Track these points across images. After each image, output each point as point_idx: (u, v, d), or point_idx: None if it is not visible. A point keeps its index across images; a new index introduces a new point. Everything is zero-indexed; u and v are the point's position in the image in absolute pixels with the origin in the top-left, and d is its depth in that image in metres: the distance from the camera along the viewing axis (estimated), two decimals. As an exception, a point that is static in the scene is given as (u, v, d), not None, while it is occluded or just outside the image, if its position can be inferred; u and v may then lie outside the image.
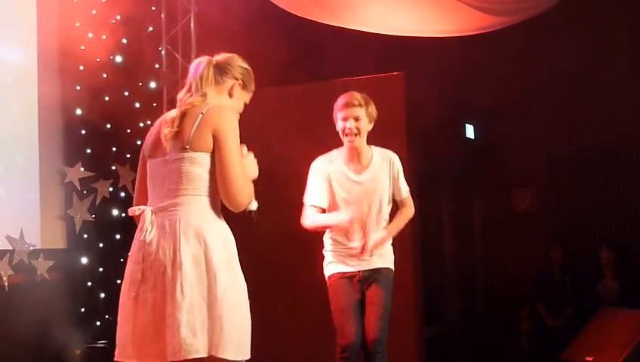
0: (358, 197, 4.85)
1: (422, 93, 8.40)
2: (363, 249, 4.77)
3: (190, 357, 3.20)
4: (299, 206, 5.07)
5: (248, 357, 3.35)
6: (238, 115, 3.56)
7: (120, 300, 3.42)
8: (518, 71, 8.76)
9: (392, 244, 5.07)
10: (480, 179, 10.11)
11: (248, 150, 3.53)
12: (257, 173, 3.56)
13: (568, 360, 7.31)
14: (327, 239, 5.01)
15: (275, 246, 7.76)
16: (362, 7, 7.38)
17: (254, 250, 7.91)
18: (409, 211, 5.06)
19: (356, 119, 4.81)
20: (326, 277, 4.97)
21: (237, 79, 3.61)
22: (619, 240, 8.87)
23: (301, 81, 8.30)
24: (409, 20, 7.33)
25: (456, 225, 9.95)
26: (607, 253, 8.70)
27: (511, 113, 9.34)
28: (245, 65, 3.66)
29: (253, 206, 3.56)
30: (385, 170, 4.94)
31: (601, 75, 8.64)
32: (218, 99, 3.54)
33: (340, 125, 4.86)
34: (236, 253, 3.40)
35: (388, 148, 4.98)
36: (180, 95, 3.54)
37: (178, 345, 3.19)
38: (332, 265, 4.94)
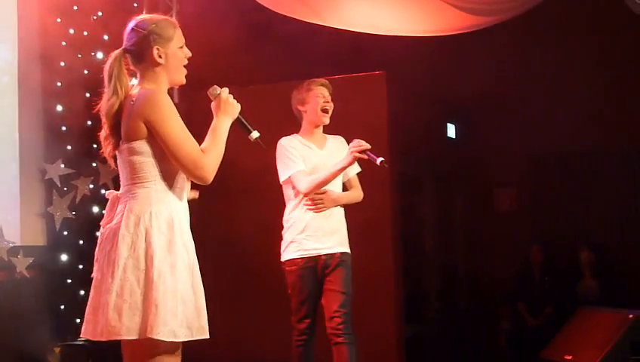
0: (324, 168, 4.99)
1: (403, 92, 8.42)
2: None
3: (113, 339, 3.28)
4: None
5: (196, 337, 3.35)
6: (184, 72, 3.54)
7: None
8: (500, 71, 8.79)
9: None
10: (461, 178, 10.15)
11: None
12: (239, 108, 3.57)
13: (548, 359, 7.34)
14: (289, 216, 5.07)
15: (254, 238, 7.78)
16: (344, 5, 7.38)
17: (234, 244, 7.93)
18: (357, 193, 5.19)
19: (328, 98, 5.12)
20: (284, 259, 5.07)
21: (151, 46, 3.46)
22: (598, 240, 8.92)
23: (282, 79, 8.30)
24: (391, 19, 7.33)
25: (437, 225, 9.97)
26: (586, 253, 8.75)
27: (492, 113, 9.38)
28: (150, 25, 3.50)
29: (255, 135, 3.63)
30: (340, 148, 5.12)
31: (582, 76, 8.69)
32: (154, 78, 3.47)
33: (315, 102, 5.09)
34: (183, 236, 3.39)
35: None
36: (101, 104, 3.53)
37: (104, 326, 3.28)
38: (293, 247, 5.02)
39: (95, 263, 3.47)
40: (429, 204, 9.95)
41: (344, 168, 4.88)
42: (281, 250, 5.10)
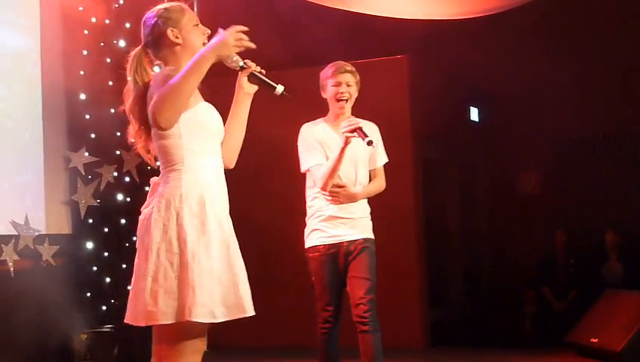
0: (348, 155, 4.89)
1: (426, 76, 8.39)
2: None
3: (151, 324, 3.27)
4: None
5: (235, 317, 3.32)
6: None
7: None
8: (525, 54, 8.73)
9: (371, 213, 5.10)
10: (485, 162, 10.11)
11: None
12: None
13: (573, 342, 7.32)
14: (311, 203, 5.03)
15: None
16: (366, -10, 7.36)
17: (253, 228, 7.96)
18: (381, 182, 5.14)
19: (348, 84, 4.97)
20: (307, 246, 5.02)
21: (164, 31, 3.46)
22: (623, 223, 8.88)
23: (305, 64, 8.29)
24: (413, 3, 7.30)
25: (460, 209, 9.95)
26: (611, 236, 8.71)
27: (516, 96, 9.33)
28: (157, 14, 3.49)
29: (280, 89, 3.56)
30: (371, 135, 4.95)
31: (608, 60, 8.62)
32: (176, 63, 3.46)
33: (331, 91, 4.99)
34: (216, 214, 3.37)
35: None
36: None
37: (141, 312, 3.28)
38: (315, 234, 4.98)
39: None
40: (452, 189, 9.93)
41: (343, 150, 4.79)
42: (305, 237, 5.06)
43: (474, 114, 10.04)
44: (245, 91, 3.60)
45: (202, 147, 3.40)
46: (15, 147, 6.95)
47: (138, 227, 3.43)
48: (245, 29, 3.39)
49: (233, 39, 3.34)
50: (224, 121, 3.57)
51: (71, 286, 6.95)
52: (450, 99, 9.19)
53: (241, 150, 3.66)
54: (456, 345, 8.86)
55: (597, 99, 8.82)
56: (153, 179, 3.52)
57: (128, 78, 3.51)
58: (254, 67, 3.57)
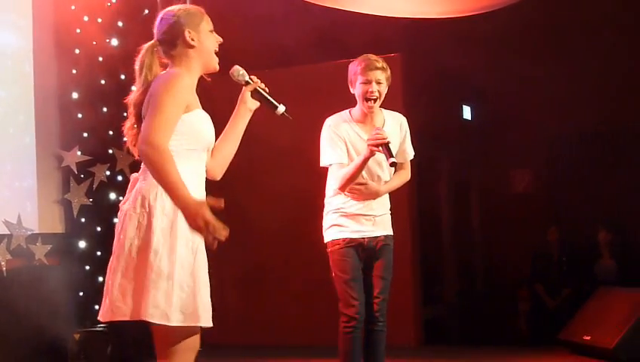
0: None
1: (418, 74, 8.39)
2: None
3: (118, 319, 3.27)
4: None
5: (190, 324, 3.29)
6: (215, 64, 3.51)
7: None
8: (517, 51, 8.74)
9: (391, 210, 5.01)
10: (477, 160, 10.12)
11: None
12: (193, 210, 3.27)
13: (566, 339, 7.33)
14: (330, 200, 4.88)
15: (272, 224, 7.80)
16: (359, -12, 7.35)
17: (255, 230, 7.96)
18: (406, 175, 4.97)
19: (378, 83, 4.74)
20: (326, 241, 4.85)
21: (182, 32, 3.45)
22: (616, 220, 8.89)
23: (297, 63, 8.30)
24: (407, 2, 7.30)
25: (454, 207, 9.96)
26: (604, 234, 8.73)
27: (508, 94, 9.34)
28: (178, 14, 3.50)
29: (281, 109, 3.59)
30: (396, 133, 4.88)
31: (602, 57, 8.63)
32: (186, 64, 3.46)
33: (360, 88, 4.75)
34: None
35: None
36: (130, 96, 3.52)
37: (108, 307, 3.29)
38: (335, 229, 4.82)
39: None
40: (445, 187, 9.94)
41: (366, 160, 4.62)
42: (323, 231, 4.89)
43: (467, 112, 10.05)
44: (247, 106, 3.60)
45: (189, 153, 3.38)
46: (7, 146, 6.93)
47: (117, 222, 3.42)
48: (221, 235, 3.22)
49: (199, 223, 3.18)
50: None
51: (64, 285, 6.94)
52: (442, 97, 9.20)
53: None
54: (450, 342, 8.88)
55: (589, 97, 8.83)
56: (133, 175, 3.51)
57: (139, 73, 3.48)
58: (259, 84, 3.59)
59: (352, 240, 4.78)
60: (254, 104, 3.61)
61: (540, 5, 7.78)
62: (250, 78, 3.59)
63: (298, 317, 7.96)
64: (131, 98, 3.50)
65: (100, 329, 6.91)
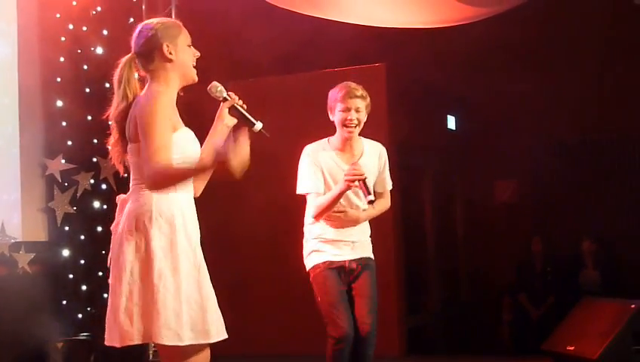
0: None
1: (403, 84, 8.41)
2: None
3: (126, 344, 3.27)
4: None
5: (201, 341, 3.32)
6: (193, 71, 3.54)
7: None
8: (501, 62, 8.78)
9: (371, 236, 5.02)
10: (462, 170, 10.14)
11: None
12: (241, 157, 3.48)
13: (550, 349, 7.34)
14: (310, 227, 4.88)
15: (259, 236, 7.79)
16: (344, -2, 7.38)
17: (241, 240, 7.95)
18: (385, 203, 4.98)
19: (357, 110, 4.75)
20: (308, 268, 4.85)
21: (160, 45, 3.46)
22: (600, 230, 8.93)
23: (282, 72, 8.30)
24: (391, 12, 7.32)
25: (438, 217, 9.97)
26: (588, 244, 8.76)
27: (493, 104, 9.37)
28: (156, 27, 3.50)
29: (258, 126, 3.58)
30: (374, 163, 4.89)
31: (585, 67, 8.68)
32: (164, 77, 3.46)
33: (340, 116, 4.76)
34: (186, 234, 3.36)
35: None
36: (110, 111, 3.52)
37: (117, 332, 3.27)
38: (315, 255, 4.82)
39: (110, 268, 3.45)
40: (429, 196, 9.95)
41: (342, 193, 4.63)
42: (304, 259, 4.88)
43: (451, 122, 10.07)
44: (225, 123, 3.59)
45: None
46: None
47: (111, 246, 3.41)
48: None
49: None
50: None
51: (47, 294, 6.91)
52: (427, 107, 9.22)
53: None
54: (434, 352, 8.88)
55: (574, 107, 8.87)
56: (120, 197, 3.51)
57: (117, 87, 3.48)
58: (237, 100, 3.58)
59: (332, 262, 4.76)
60: (232, 121, 3.59)
61: (524, 16, 7.82)
62: (228, 95, 3.58)
63: (285, 327, 7.95)
64: (112, 114, 3.49)
65: (83, 337, 6.89)
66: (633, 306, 6.81)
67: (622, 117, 8.84)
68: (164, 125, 3.29)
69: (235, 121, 3.60)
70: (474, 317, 9.58)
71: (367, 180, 4.59)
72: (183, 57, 3.50)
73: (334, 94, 4.80)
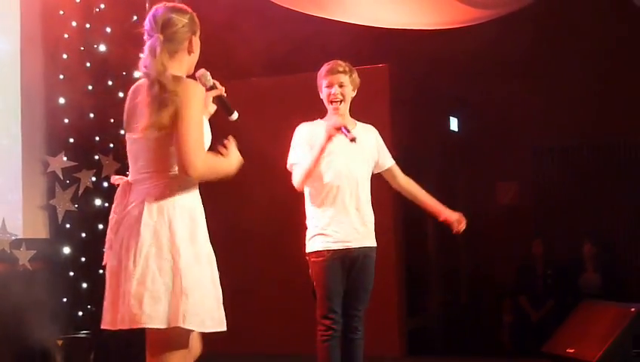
0: (348, 156, 4.85)
1: (406, 85, 8.41)
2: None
3: (134, 327, 3.27)
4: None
5: (218, 329, 3.38)
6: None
7: None
8: (503, 65, 8.78)
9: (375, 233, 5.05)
10: (463, 172, 10.14)
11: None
12: (235, 166, 3.53)
13: (550, 352, 7.34)
14: (313, 212, 4.89)
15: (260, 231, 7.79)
16: (349, -1, 7.38)
17: (243, 234, 7.95)
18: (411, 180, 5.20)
19: (340, 85, 4.86)
20: (310, 251, 4.86)
21: (190, 35, 3.52)
22: (601, 234, 8.92)
23: (284, 72, 8.30)
24: (395, 13, 7.32)
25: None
26: (589, 247, 8.75)
27: (495, 106, 9.37)
28: (186, 18, 3.53)
29: (235, 116, 3.73)
30: (369, 137, 4.99)
31: (587, 70, 8.67)
32: (178, 65, 3.49)
33: (324, 92, 4.91)
34: (203, 226, 3.43)
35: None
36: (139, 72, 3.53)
37: (124, 314, 3.27)
38: (318, 240, 4.83)
39: (108, 250, 3.45)
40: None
41: (324, 148, 4.72)
42: (306, 240, 4.89)
43: (453, 124, 10.07)
44: (207, 110, 3.69)
45: None
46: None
47: (117, 229, 3.41)
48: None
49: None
50: None
51: (47, 291, 6.90)
52: (429, 108, 9.22)
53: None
54: (434, 353, 8.88)
55: (576, 110, 8.87)
56: (120, 179, 3.51)
57: (152, 58, 3.40)
58: (222, 90, 3.72)
59: (335, 251, 4.78)
60: (212, 108, 3.74)
61: (525, 18, 7.82)
62: (214, 84, 3.71)
63: (287, 326, 7.95)
64: (145, 99, 3.38)
65: (84, 335, 6.89)
66: (633, 310, 6.81)
67: (623, 119, 8.84)
68: (200, 117, 3.38)
69: (215, 108, 3.75)
70: (474, 318, 9.58)
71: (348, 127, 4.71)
72: (197, 53, 3.58)
73: (319, 73, 4.95)
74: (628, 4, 6.52)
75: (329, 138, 4.72)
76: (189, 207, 3.37)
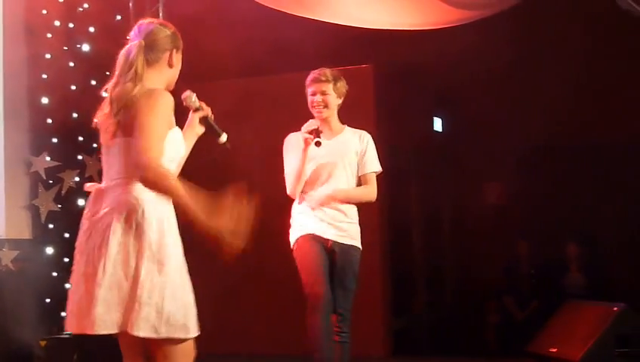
0: (324, 159, 5.01)
1: (390, 86, 8.41)
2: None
3: (100, 333, 3.28)
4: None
5: (182, 336, 3.36)
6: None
7: None
8: (488, 65, 8.78)
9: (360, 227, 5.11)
10: (448, 172, 10.15)
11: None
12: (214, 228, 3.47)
13: (533, 352, 7.37)
14: (295, 208, 5.10)
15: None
16: (333, -1, 7.37)
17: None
18: (369, 191, 5.15)
19: (323, 93, 5.02)
20: (292, 242, 5.02)
21: (170, 50, 3.55)
22: (585, 234, 8.94)
23: (269, 72, 8.29)
24: (380, 13, 7.32)
25: (424, 218, 9.98)
26: (573, 247, 8.78)
27: (479, 107, 9.37)
28: (169, 31, 3.58)
29: (224, 138, 3.74)
30: (354, 142, 5.11)
31: (571, 70, 8.68)
32: (157, 76, 3.51)
33: (309, 99, 5.08)
34: (173, 235, 3.41)
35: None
36: (109, 85, 3.53)
37: (93, 320, 3.26)
38: (297, 228, 5.02)
39: (77, 255, 3.46)
40: (416, 198, 9.95)
41: (304, 156, 4.92)
42: (290, 238, 5.09)
43: (437, 124, 10.08)
44: (194, 131, 3.73)
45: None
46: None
47: (88, 234, 3.43)
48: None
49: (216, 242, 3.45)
50: None
51: (30, 291, 6.88)
52: (414, 109, 9.22)
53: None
54: (419, 353, 8.88)
55: (561, 110, 8.87)
56: (93, 186, 3.52)
57: (128, 67, 3.46)
58: (208, 111, 3.73)
59: (315, 236, 4.94)
60: (200, 129, 3.75)
61: (512, 19, 7.83)
62: (200, 105, 3.72)
63: (272, 326, 7.93)
64: (114, 90, 3.48)
65: (67, 336, 6.86)
66: (615, 309, 6.84)
67: (609, 120, 8.86)
68: (163, 122, 3.35)
69: (203, 129, 3.76)
70: (459, 319, 9.59)
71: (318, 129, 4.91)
72: (177, 69, 3.61)
73: (306, 80, 5.14)
74: (613, 5, 6.54)
75: (306, 145, 4.90)
76: (158, 214, 3.35)
